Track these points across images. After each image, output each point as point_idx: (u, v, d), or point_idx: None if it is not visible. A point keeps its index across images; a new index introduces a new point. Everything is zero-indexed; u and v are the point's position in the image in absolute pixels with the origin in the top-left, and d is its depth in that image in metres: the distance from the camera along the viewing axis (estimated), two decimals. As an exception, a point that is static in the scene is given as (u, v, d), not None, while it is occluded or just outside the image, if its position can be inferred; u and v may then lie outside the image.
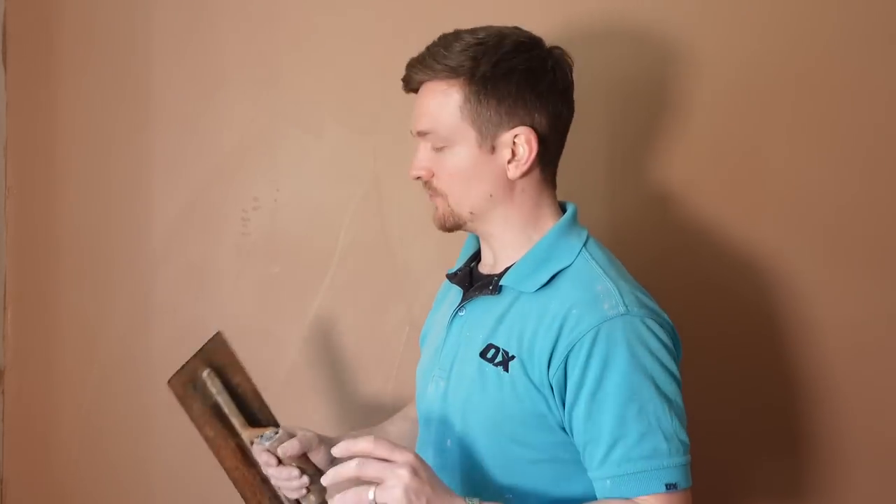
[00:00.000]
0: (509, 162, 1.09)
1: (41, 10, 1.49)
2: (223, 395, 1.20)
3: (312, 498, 1.18)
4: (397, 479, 0.91)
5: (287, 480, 1.16)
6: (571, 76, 1.14)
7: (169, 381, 1.18)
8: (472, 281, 1.19)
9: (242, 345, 1.54)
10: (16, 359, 1.54)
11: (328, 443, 1.19)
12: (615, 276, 1.07)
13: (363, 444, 0.94)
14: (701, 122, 1.44)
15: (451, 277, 1.21)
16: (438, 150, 1.11)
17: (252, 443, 1.18)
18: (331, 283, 1.52)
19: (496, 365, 1.07)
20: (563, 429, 1.05)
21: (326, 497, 1.18)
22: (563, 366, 1.02)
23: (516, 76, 1.07)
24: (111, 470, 1.54)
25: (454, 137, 1.09)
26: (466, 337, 1.13)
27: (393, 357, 1.53)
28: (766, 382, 1.46)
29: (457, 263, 1.25)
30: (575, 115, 1.14)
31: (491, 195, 1.10)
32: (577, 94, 1.14)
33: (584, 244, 1.11)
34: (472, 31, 1.10)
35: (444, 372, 1.15)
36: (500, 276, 1.12)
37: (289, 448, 1.15)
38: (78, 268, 1.53)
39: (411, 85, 1.13)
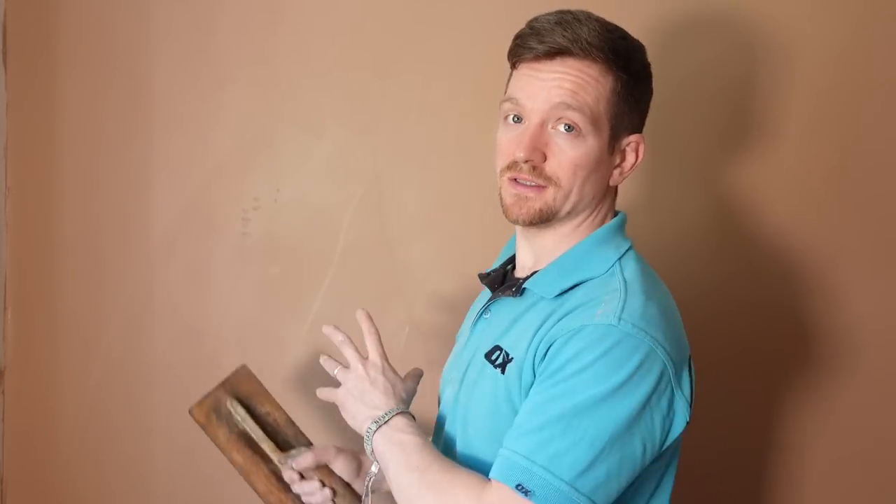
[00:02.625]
0: (616, 167, 1.05)
1: (41, 10, 1.49)
2: (249, 422, 1.20)
3: None
4: (354, 369, 1.08)
5: (310, 494, 1.18)
6: None
7: (190, 410, 1.21)
8: (504, 283, 1.12)
9: (242, 345, 1.55)
10: (16, 359, 1.54)
11: (348, 454, 1.20)
12: (635, 291, 0.98)
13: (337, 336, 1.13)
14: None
15: (483, 278, 1.15)
16: (569, 132, 1.00)
17: (282, 465, 1.19)
18: (331, 283, 1.52)
19: (496, 367, 1.02)
20: None
21: None
22: (541, 360, 0.96)
23: (650, 82, 1.06)
24: (111, 470, 1.54)
25: (593, 126, 1.00)
26: (483, 339, 1.08)
27: (393, 357, 1.52)
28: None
29: (494, 263, 1.19)
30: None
31: (594, 196, 1.04)
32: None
33: (620, 257, 1.03)
34: (604, 22, 1.02)
35: (459, 374, 1.10)
36: (527, 278, 1.05)
37: (301, 460, 1.17)
38: (78, 268, 1.53)
39: (547, 46, 0.99)
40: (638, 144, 1.06)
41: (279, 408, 1.25)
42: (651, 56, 1.06)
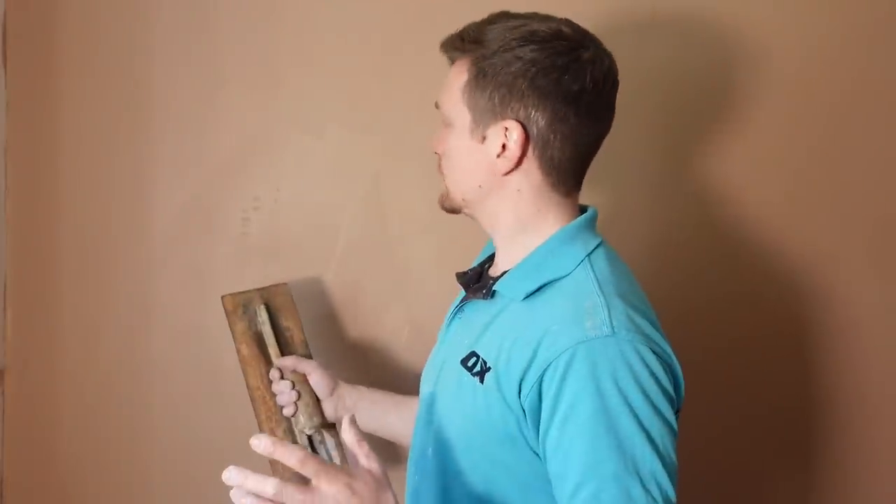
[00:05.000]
0: (499, 155, 1.01)
1: (41, 10, 1.49)
2: (267, 327, 1.33)
3: (301, 419, 1.28)
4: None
5: (280, 393, 1.28)
6: (601, 85, 1.00)
7: (223, 296, 1.34)
8: (479, 283, 1.13)
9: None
10: (16, 359, 1.54)
11: (327, 375, 1.29)
12: (611, 292, 0.96)
13: (292, 458, 0.81)
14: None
15: (459, 277, 1.16)
16: (446, 127, 1.07)
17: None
18: (331, 283, 1.52)
19: (474, 375, 1.00)
20: (539, 455, 0.95)
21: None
22: (537, 387, 0.92)
23: (517, 65, 0.98)
24: (112, 470, 1.54)
25: (454, 118, 1.05)
26: (458, 342, 1.07)
27: (393, 357, 1.53)
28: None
29: (474, 262, 1.20)
30: (622, 111, 1.06)
31: (480, 186, 1.04)
32: (624, 90, 1.05)
33: (590, 254, 1.01)
34: (515, 16, 1.03)
35: (434, 376, 1.11)
36: (496, 280, 1.05)
37: (284, 359, 1.30)
38: (78, 268, 1.53)
39: (449, 56, 1.09)
40: (506, 130, 1.00)
41: (301, 330, 1.36)
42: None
